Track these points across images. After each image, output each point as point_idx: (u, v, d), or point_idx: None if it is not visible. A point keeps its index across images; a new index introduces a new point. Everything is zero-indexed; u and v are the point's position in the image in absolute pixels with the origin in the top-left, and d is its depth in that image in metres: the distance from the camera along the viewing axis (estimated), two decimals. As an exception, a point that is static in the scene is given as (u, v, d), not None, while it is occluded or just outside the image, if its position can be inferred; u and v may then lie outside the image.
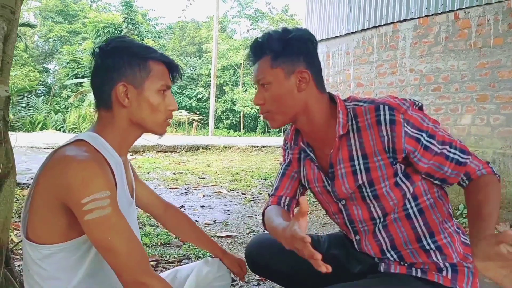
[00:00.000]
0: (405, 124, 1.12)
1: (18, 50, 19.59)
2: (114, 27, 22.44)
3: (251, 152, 9.34)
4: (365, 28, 5.19)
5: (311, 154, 1.33)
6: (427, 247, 1.20)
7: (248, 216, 3.82)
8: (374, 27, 5.07)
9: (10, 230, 1.38)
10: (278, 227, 1.09)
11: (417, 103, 1.20)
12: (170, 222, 1.57)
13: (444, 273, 1.17)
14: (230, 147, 9.28)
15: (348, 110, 1.22)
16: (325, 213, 1.49)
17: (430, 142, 1.14)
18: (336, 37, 5.67)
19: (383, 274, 1.22)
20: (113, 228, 0.97)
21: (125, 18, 23.05)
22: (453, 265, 1.18)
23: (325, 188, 1.32)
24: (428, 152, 1.14)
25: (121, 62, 1.08)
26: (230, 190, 5.13)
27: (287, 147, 1.47)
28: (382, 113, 1.14)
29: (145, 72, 1.10)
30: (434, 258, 1.19)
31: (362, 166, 1.20)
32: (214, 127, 20.30)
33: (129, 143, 1.18)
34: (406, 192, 1.20)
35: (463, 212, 3.89)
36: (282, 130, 25.02)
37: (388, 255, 1.24)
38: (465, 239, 1.26)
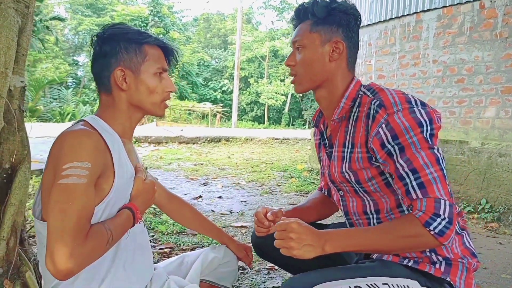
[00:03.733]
0: (384, 125, 1.09)
1: (49, 43, 20.17)
2: (140, 20, 22.79)
3: (272, 144, 9.35)
4: (387, 18, 5.09)
5: (326, 141, 1.34)
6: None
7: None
8: (396, 17, 4.97)
9: (26, 214, 1.46)
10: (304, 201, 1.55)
11: (422, 110, 1.10)
12: (174, 211, 1.61)
13: (437, 266, 1.14)
14: (251, 139, 9.32)
15: (357, 96, 1.22)
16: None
17: (396, 153, 1.08)
18: (358, 28, 5.58)
19: (373, 260, 1.20)
20: (75, 197, 0.97)
21: (151, 11, 23.36)
22: (447, 259, 1.16)
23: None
24: (391, 160, 1.09)
25: (118, 48, 1.14)
26: (249, 181, 5.17)
27: (315, 134, 1.49)
28: (372, 107, 1.14)
29: (141, 56, 1.15)
30: (428, 253, 1.16)
31: (348, 154, 1.21)
32: (239, 119, 20.39)
33: (131, 126, 1.23)
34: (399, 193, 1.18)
35: (485, 207, 3.81)
36: (307, 123, 24.91)
37: None
38: (468, 240, 1.21)
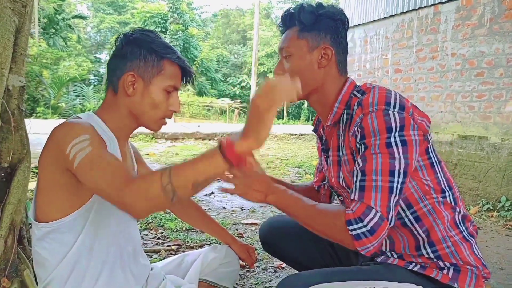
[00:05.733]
0: (358, 125, 1.09)
1: (72, 41, 20.59)
2: (160, 17, 22.98)
3: (288, 140, 9.30)
4: (404, 10, 4.96)
5: (325, 145, 1.32)
6: (427, 256, 1.13)
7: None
8: (414, 9, 4.83)
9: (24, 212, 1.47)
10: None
11: (398, 114, 1.06)
12: (178, 208, 1.60)
13: (445, 271, 1.10)
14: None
15: (350, 99, 1.20)
16: None
17: (359, 151, 1.08)
18: (374, 21, 5.46)
19: (378, 263, 1.17)
20: (95, 162, 0.97)
21: (170, 7, 23.50)
22: (455, 265, 1.11)
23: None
24: (359, 155, 1.09)
25: (138, 53, 1.13)
26: (263, 177, 5.13)
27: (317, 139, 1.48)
28: (355, 107, 1.13)
29: (157, 69, 1.14)
30: (435, 260, 1.13)
31: (341, 158, 1.20)
32: (257, 115, 20.14)
33: (127, 131, 1.21)
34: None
35: (505, 205, 3.68)
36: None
37: (388, 253, 1.19)
38: (477, 249, 1.16)
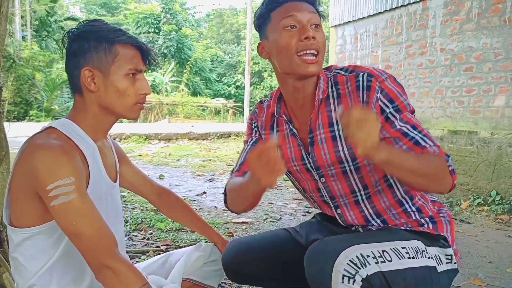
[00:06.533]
0: (379, 91, 1.15)
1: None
2: (153, 17, 22.90)
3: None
4: (393, 7, 4.97)
5: (294, 130, 1.28)
6: (409, 209, 1.25)
7: (268, 203, 3.81)
8: (403, 5, 4.84)
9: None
10: (245, 177, 1.19)
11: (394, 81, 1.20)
12: (165, 206, 1.57)
13: (425, 226, 1.23)
14: (262, 134, 9.27)
15: (329, 78, 1.24)
16: (298, 193, 1.49)
17: (394, 116, 1.14)
18: (364, 17, 5.47)
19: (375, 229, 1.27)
20: (78, 213, 0.99)
21: (164, 8, 23.43)
22: (431, 217, 1.25)
23: (304, 166, 1.28)
24: (388, 124, 1.14)
25: (87, 47, 1.08)
26: (255, 176, 5.13)
27: (255, 126, 1.41)
28: (361, 79, 1.18)
29: (111, 56, 1.09)
30: (414, 218, 1.24)
31: (341, 132, 1.19)
32: (252, 114, 20.13)
33: (104, 128, 1.19)
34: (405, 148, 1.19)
35: (495, 199, 3.69)
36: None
37: (373, 222, 1.26)
38: (432, 197, 1.33)
